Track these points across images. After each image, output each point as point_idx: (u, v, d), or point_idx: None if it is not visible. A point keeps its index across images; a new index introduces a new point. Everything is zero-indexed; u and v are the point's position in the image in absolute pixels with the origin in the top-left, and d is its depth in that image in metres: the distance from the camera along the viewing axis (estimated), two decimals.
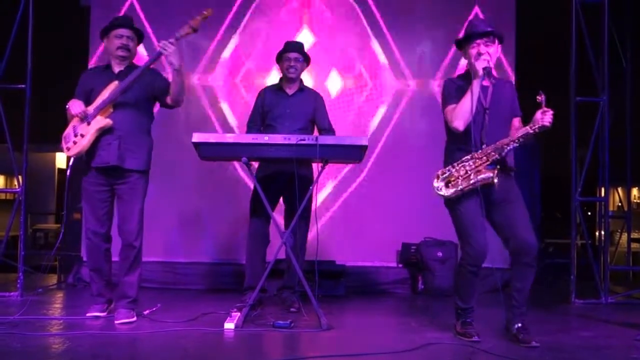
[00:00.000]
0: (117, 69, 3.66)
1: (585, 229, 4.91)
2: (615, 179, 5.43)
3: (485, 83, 3.27)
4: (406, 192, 5.49)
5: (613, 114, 4.99)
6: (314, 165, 3.99)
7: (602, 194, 5.23)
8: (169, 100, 3.67)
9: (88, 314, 3.67)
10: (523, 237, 3.15)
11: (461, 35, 3.47)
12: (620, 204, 6.34)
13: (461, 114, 3.18)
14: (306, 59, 4.25)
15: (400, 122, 5.65)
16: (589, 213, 8.53)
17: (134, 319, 3.59)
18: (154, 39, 5.34)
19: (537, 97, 3.10)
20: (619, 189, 6.07)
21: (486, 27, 3.27)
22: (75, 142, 3.54)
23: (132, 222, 3.59)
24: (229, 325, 3.41)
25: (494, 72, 3.33)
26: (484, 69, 3.17)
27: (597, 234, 5.71)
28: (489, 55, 3.20)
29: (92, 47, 5.51)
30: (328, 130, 4.23)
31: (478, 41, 3.23)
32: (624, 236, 5.80)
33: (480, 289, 3.40)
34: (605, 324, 3.94)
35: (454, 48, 5.01)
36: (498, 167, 3.14)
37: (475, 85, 3.18)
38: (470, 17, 5.54)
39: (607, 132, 4.85)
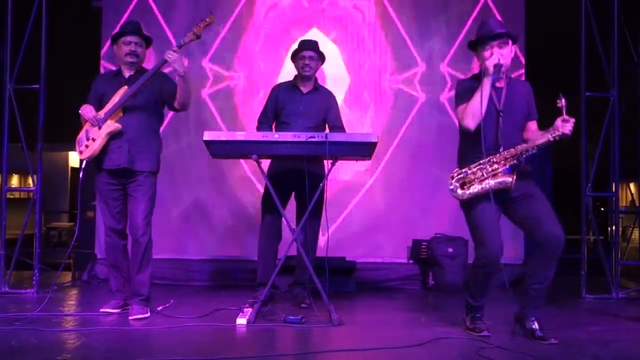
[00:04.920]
0: (127, 73, 3.77)
1: (596, 224, 4.88)
2: (628, 175, 5.39)
3: (499, 85, 3.22)
4: (417, 188, 5.50)
5: (624, 109, 4.96)
6: (326, 162, 4.00)
7: (614, 190, 5.21)
8: (176, 104, 3.77)
9: (101, 310, 3.74)
10: (549, 228, 3.08)
11: (472, 36, 3.42)
12: (632, 199, 6.31)
13: (471, 113, 3.14)
14: (321, 57, 4.27)
15: (410, 118, 5.64)
16: (602, 209, 8.49)
17: (148, 314, 3.65)
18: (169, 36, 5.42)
19: (557, 102, 3.04)
20: (631, 185, 6.02)
21: (500, 28, 3.21)
22: (87, 146, 3.66)
23: (138, 217, 3.67)
24: (241, 321, 3.46)
25: (511, 74, 3.31)
26: (494, 65, 3.11)
27: (609, 229, 5.68)
28: (502, 56, 3.14)
29: (103, 47, 5.56)
30: (338, 128, 4.23)
31: (492, 43, 3.18)
32: (636, 231, 5.75)
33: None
34: (615, 318, 3.94)
35: (459, 41, 5.08)
36: (516, 172, 3.09)
37: (486, 83, 3.12)
38: (478, 8, 5.58)
39: (617, 127, 4.83)
